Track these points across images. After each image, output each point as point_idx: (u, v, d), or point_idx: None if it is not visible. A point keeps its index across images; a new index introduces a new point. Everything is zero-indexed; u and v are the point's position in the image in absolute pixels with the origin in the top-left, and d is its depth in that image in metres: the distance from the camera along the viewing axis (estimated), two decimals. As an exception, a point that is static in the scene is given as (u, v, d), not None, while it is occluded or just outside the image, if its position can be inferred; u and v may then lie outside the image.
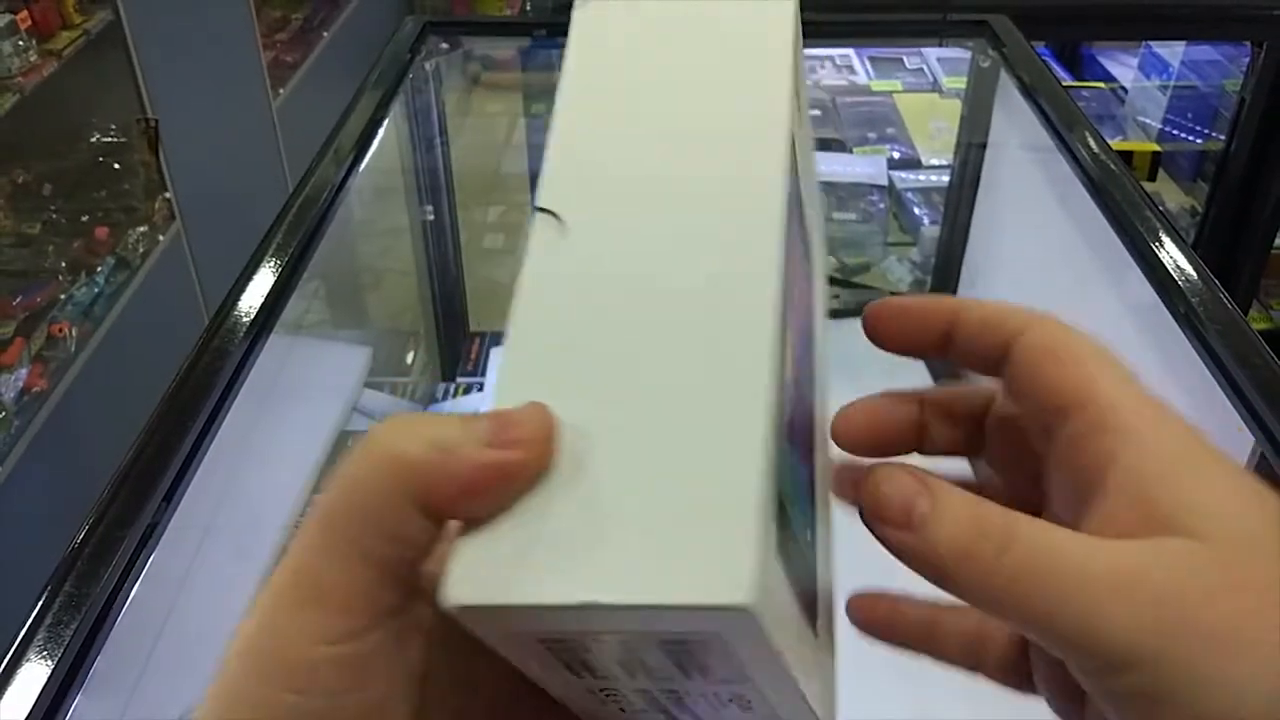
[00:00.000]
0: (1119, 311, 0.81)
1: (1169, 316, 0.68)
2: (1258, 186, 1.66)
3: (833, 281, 1.22)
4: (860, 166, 1.64)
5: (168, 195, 1.96)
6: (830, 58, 1.98)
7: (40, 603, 0.48)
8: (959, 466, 0.31)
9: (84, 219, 1.90)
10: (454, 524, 0.21)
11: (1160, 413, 0.26)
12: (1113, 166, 0.83)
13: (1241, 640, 0.22)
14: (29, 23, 1.68)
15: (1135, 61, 2.05)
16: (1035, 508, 0.27)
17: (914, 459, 0.30)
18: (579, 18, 0.27)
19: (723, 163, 0.25)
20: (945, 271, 1.28)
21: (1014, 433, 0.29)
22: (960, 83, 1.22)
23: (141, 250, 1.90)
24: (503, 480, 0.21)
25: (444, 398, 1.22)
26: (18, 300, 1.70)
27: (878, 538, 0.24)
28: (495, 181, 2.47)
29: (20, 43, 1.66)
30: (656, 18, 0.27)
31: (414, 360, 1.37)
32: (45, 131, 1.88)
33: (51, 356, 1.66)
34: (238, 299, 0.68)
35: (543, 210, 0.24)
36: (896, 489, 0.24)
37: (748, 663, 0.20)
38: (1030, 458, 0.28)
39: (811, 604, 0.25)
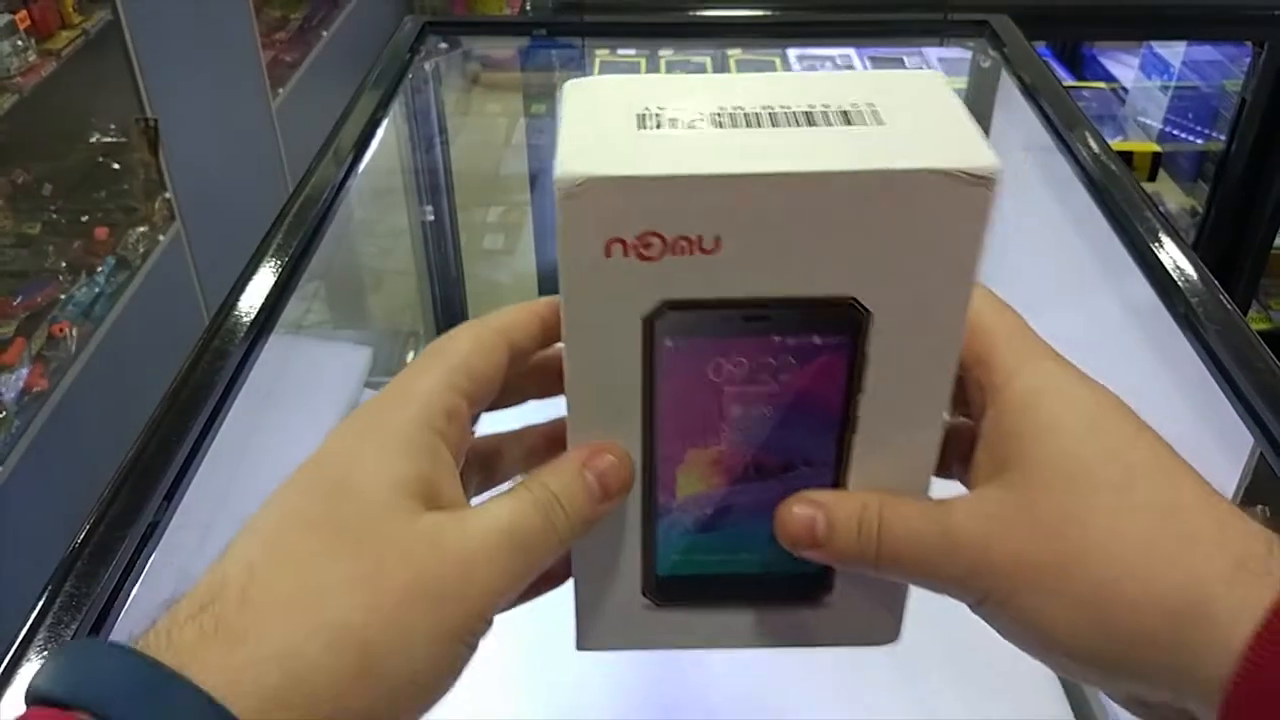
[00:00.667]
0: (1119, 312, 0.81)
1: (1168, 317, 0.68)
2: (1258, 187, 1.66)
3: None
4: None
5: (167, 195, 1.96)
6: (830, 58, 1.97)
7: (40, 602, 0.48)
8: None
9: (84, 219, 1.90)
10: None
11: (1035, 370, 0.30)
12: (1113, 167, 0.82)
13: (1030, 571, 0.28)
14: (28, 23, 1.68)
15: (1136, 61, 2.05)
16: None
17: None
18: None
19: None
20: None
21: None
22: (961, 83, 1.22)
23: (141, 250, 1.90)
24: None
25: (444, 398, 1.22)
26: (18, 300, 1.69)
27: (803, 556, 0.31)
28: (495, 182, 2.47)
29: (19, 42, 1.65)
30: None
31: (414, 360, 1.37)
32: (44, 132, 1.87)
33: (52, 356, 1.66)
34: (238, 299, 0.68)
35: None
36: (799, 518, 0.31)
37: None
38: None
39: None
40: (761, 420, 0.29)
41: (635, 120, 0.27)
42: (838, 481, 0.31)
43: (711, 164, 0.25)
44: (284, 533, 0.27)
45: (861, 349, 0.28)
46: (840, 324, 0.28)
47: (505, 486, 0.31)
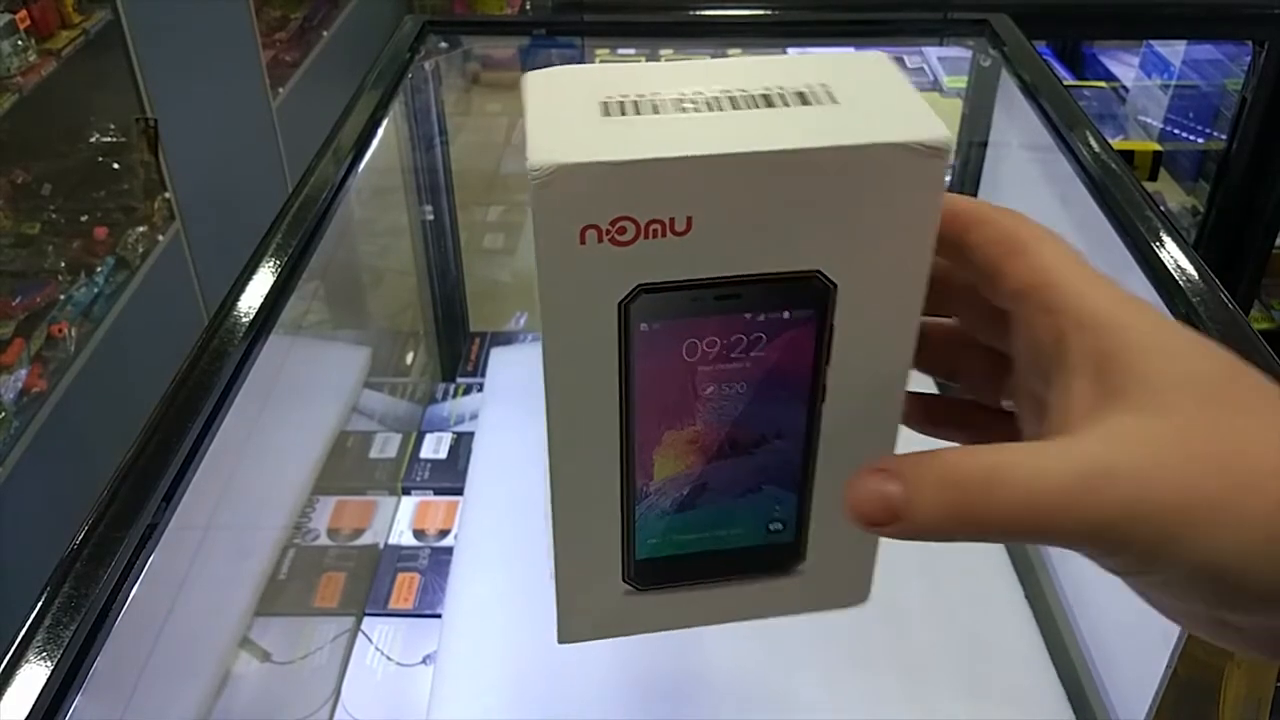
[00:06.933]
0: (1120, 311, 0.81)
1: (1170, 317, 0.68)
2: (1259, 186, 1.66)
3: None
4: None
5: (167, 195, 1.96)
6: (830, 57, 1.97)
7: (39, 603, 0.48)
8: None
9: (83, 219, 1.90)
10: None
11: (1108, 290, 0.29)
12: (1114, 166, 0.82)
13: (1203, 506, 0.25)
14: (28, 22, 1.68)
15: (1136, 61, 2.05)
16: (1003, 417, 0.32)
17: None
18: None
19: None
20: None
21: (981, 323, 0.32)
22: (961, 82, 1.22)
23: (141, 250, 1.90)
24: None
25: (444, 398, 1.22)
26: (17, 300, 1.69)
27: (881, 535, 0.27)
28: (495, 181, 2.47)
29: (19, 42, 1.65)
30: None
31: (414, 360, 1.37)
32: (44, 131, 1.87)
33: (51, 357, 1.66)
34: (237, 299, 0.68)
35: None
36: (867, 493, 0.26)
37: None
38: (993, 360, 0.32)
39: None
40: (735, 397, 0.30)
41: (600, 108, 0.27)
42: (809, 451, 0.32)
43: (681, 147, 0.26)
44: None
45: (828, 320, 0.29)
46: (807, 297, 0.29)
47: None
